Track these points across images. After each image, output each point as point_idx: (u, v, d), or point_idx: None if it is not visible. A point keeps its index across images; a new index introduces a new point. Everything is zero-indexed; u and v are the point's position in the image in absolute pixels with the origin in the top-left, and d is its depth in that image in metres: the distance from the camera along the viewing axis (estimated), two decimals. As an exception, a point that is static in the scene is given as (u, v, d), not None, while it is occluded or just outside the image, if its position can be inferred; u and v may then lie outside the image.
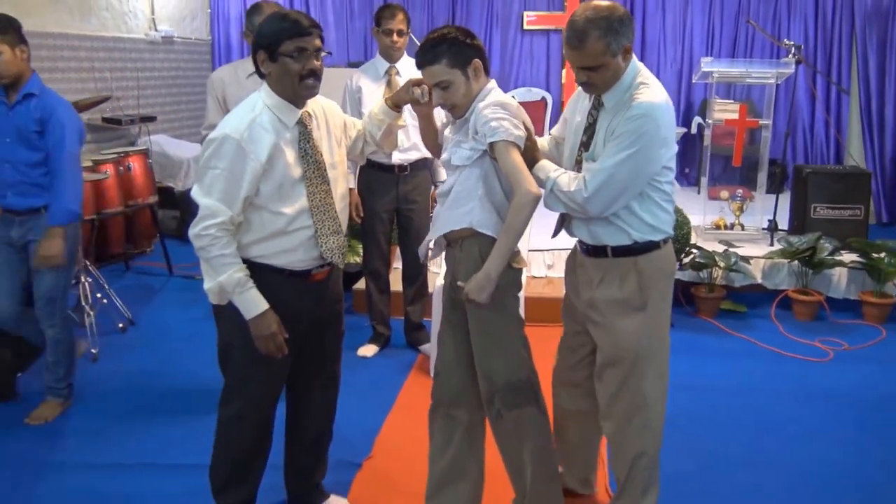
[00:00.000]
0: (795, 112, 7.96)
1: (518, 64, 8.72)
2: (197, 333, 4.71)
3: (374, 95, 4.19)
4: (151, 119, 6.84)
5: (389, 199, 4.32)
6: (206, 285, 2.48)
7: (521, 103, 2.64)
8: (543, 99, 8.57)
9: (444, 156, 2.62)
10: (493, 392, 2.60)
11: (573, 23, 2.39)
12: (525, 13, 8.56)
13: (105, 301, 4.74)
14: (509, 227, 2.45)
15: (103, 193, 5.16)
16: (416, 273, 4.53)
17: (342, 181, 2.66)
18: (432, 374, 2.81)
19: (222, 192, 2.39)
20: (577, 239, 2.71)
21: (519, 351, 2.63)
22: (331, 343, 2.81)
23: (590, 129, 2.53)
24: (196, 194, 2.43)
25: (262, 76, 2.51)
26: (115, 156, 5.48)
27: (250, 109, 2.45)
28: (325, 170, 2.55)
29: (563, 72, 8.46)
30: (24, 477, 3.22)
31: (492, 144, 2.44)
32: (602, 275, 2.60)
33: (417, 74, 4.22)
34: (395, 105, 2.73)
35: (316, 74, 2.47)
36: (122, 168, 5.46)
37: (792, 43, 5.65)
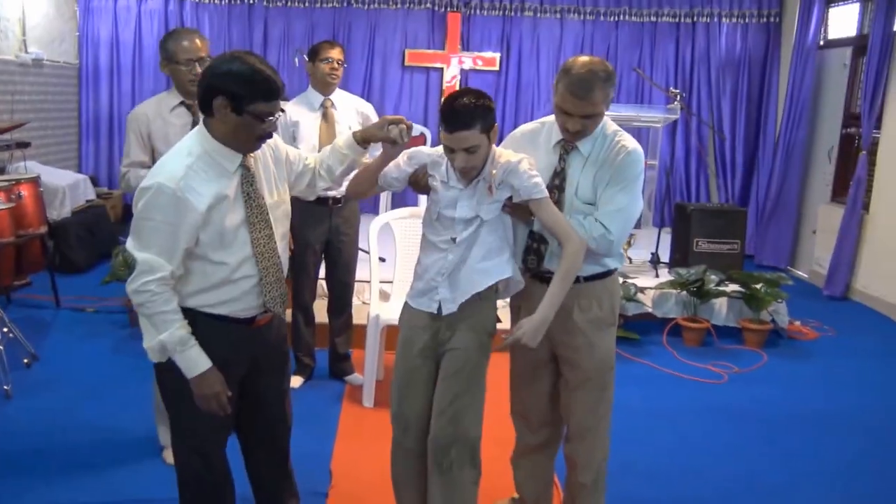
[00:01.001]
0: (673, 154, 8.66)
1: (398, 99, 8.91)
2: (107, 367, 4.59)
3: (310, 128, 4.24)
4: (26, 145, 6.49)
5: (322, 232, 4.36)
6: (147, 343, 2.36)
7: None
8: (422, 134, 8.76)
9: (459, 213, 2.62)
10: (453, 439, 2.64)
11: (578, 75, 2.56)
12: (406, 50, 8.79)
13: (11, 335, 4.47)
14: (568, 274, 2.59)
15: (-6, 222, 4.87)
16: (342, 305, 4.58)
17: (283, 221, 2.57)
18: (394, 425, 2.78)
19: (160, 246, 2.27)
20: (527, 275, 2.82)
21: (482, 412, 2.73)
22: (278, 384, 2.74)
23: (560, 175, 2.73)
24: (132, 248, 2.30)
25: (206, 113, 2.34)
26: (5, 183, 5.17)
27: (186, 154, 2.32)
28: (268, 213, 2.46)
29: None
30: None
31: (537, 200, 2.57)
32: (575, 300, 2.77)
33: (350, 106, 4.37)
34: (364, 140, 2.66)
35: (271, 136, 2.43)
36: (13, 196, 5.16)
37: (677, 91, 6.18)
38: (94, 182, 7.77)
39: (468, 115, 2.48)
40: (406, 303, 2.81)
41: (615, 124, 2.79)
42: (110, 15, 8.39)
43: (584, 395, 2.86)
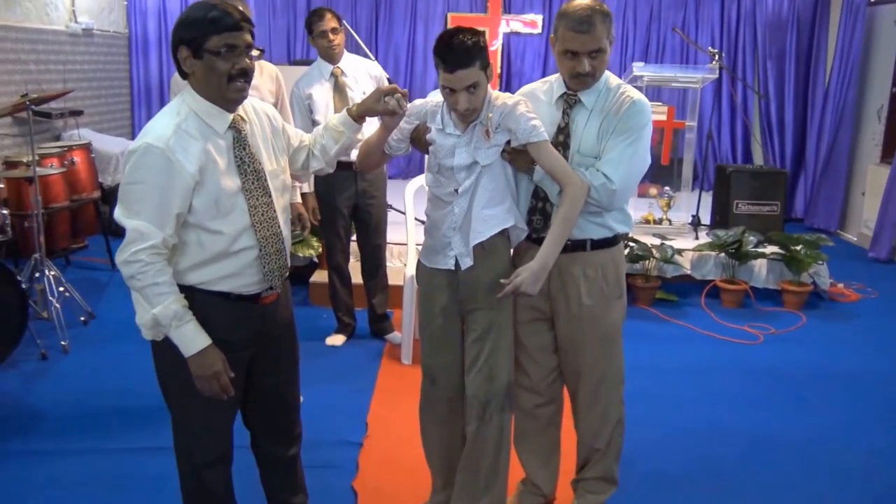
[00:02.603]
0: (712, 115, 8.62)
1: (441, 63, 9.01)
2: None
3: (324, 99, 4.33)
4: (79, 113, 6.78)
5: (348, 196, 4.49)
6: (139, 319, 2.22)
7: None
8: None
9: (457, 160, 2.59)
10: (491, 394, 2.70)
11: (576, 13, 2.54)
12: (449, 14, 8.87)
13: (68, 294, 4.76)
14: (568, 217, 2.54)
15: (49, 188, 5.14)
16: (375, 266, 4.73)
17: (283, 192, 2.40)
18: (423, 378, 2.86)
19: (151, 211, 2.10)
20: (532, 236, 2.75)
21: (513, 352, 2.82)
22: (286, 369, 2.57)
23: (565, 131, 2.70)
24: (120, 216, 2.14)
25: (183, 75, 2.24)
26: (58, 150, 5.44)
27: (175, 114, 2.19)
28: (266, 180, 2.30)
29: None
30: (41, 466, 3.29)
31: (535, 143, 2.55)
32: (581, 269, 2.73)
33: (362, 70, 4.45)
34: (360, 115, 2.53)
35: (246, 74, 2.21)
36: (66, 162, 5.43)
37: (715, 51, 6.16)
38: (147, 149, 8.03)
39: (466, 51, 2.42)
40: (419, 261, 2.83)
41: (618, 78, 2.76)
42: (157, -17, 8.62)
43: (593, 365, 2.84)
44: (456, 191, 2.63)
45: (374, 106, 2.49)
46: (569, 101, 2.70)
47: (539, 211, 2.71)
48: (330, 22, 4.30)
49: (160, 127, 2.15)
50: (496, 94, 2.62)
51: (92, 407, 3.83)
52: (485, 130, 2.57)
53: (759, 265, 5.87)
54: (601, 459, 2.99)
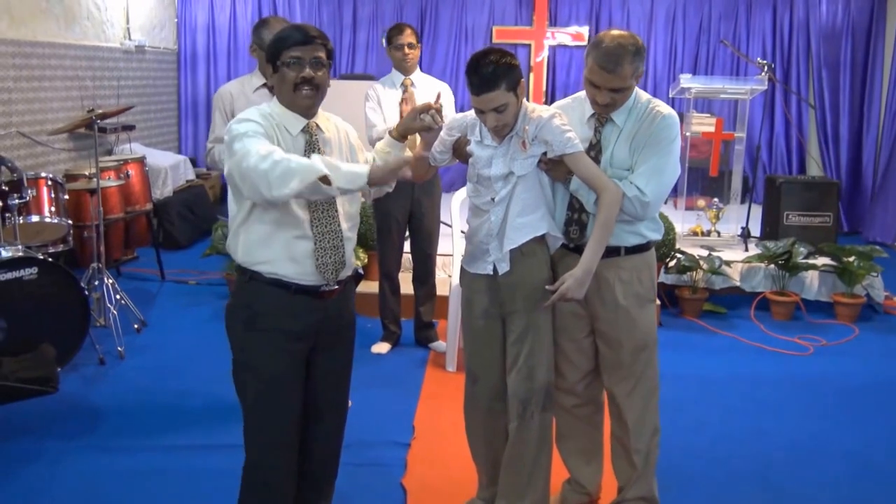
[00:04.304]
0: (763, 126, 8.71)
1: (487, 77, 9.25)
2: (207, 334, 5.11)
3: (391, 104, 4.68)
4: (132, 128, 7.15)
5: (403, 204, 4.76)
6: (298, 186, 2.24)
7: None
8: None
9: (494, 170, 2.79)
10: (531, 392, 2.90)
11: (607, 49, 2.75)
12: (494, 27, 9.13)
13: (123, 302, 5.09)
14: (607, 223, 2.75)
15: (107, 200, 5.48)
16: (425, 275, 4.98)
17: (353, 203, 2.63)
18: (466, 378, 3.08)
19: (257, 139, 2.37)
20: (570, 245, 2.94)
21: (553, 352, 3.02)
22: (342, 367, 2.75)
23: (596, 147, 2.91)
24: (232, 133, 2.37)
25: (271, 91, 2.58)
26: (115, 163, 5.80)
27: (258, 112, 2.49)
28: None
29: (531, 84, 9.06)
30: (76, 462, 3.57)
31: (571, 154, 2.75)
32: (616, 273, 2.93)
33: (430, 86, 4.74)
34: (401, 136, 2.75)
35: (311, 83, 2.46)
36: (122, 175, 5.78)
37: (764, 62, 6.31)
38: (194, 163, 8.43)
39: (492, 76, 2.62)
40: (462, 267, 3.05)
41: (647, 94, 2.95)
42: (206, 0, 9.01)
43: (628, 370, 3.01)
44: (493, 199, 2.83)
45: (411, 124, 2.73)
46: (600, 120, 2.90)
47: (575, 221, 2.91)
48: (408, 37, 4.70)
49: (251, 115, 2.45)
50: (532, 107, 2.82)
51: (148, 408, 4.11)
52: (521, 142, 2.77)
53: (811, 277, 5.96)
54: (640, 478, 3.11)
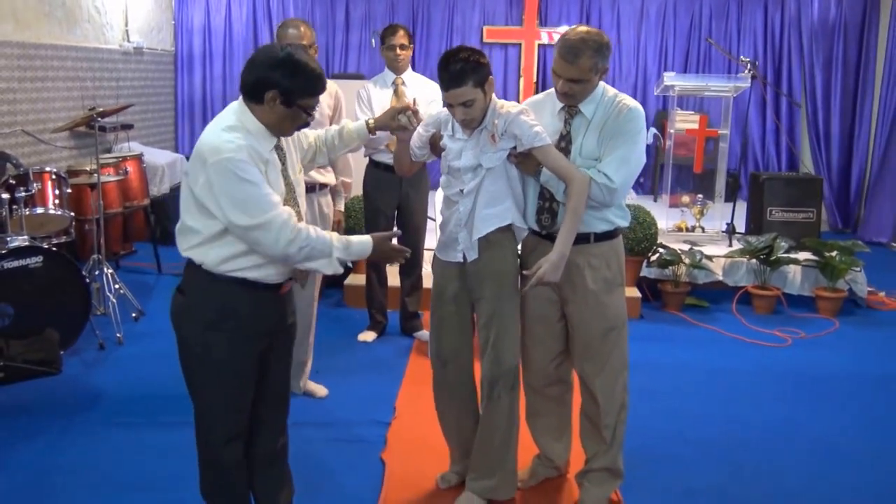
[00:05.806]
0: (747, 124, 9.03)
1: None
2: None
3: (382, 102, 4.99)
4: (130, 127, 7.53)
5: (392, 197, 5.10)
6: (324, 269, 2.62)
7: None
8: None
9: (463, 162, 3.06)
10: (497, 375, 3.19)
11: (569, 41, 2.99)
12: (485, 27, 9.48)
13: (122, 292, 5.46)
14: (577, 210, 2.99)
15: (106, 195, 5.86)
16: (412, 266, 5.29)
17: (304, 198, 2.81)
18: (434, 362, 3.37)
19: (271, 197, 2.49)
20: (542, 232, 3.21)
21: (519, 336, 3.32)
22: (287, 360, 2.88)
23: (566, 138, 3.18)
24: (252, 221, 2.45)
25: (255, 101, 2.55)
26: (114, 160, 6.19)
27: (232, 130, 2.51)
28: (295, 190, 2.71)
29: (521, 83, 9.38)
30: (79, 436, 3.92)
31: (539, 147, 2.98)
32: (586, 259, 3.17)
33: (420, 85, 5.09)
34: (376, 129, 3.09)
35: (308, 125, 2.70)
36: (121, 171, 6.17)
37: (748, 60, 6.63)
38: (190, 162, 8.76)
39: (460, 72, 2.89)
40: (435, 255, 3.33)
41: (614, 89, 3.22)
42: (203, 3, 9.35)
43: (597, 351, 3.25)
44: (461, 191, 3.11)
45: (388, 122, 3.06)
46: (570, 112, 3.15)
47: (547, 210, 3.18)
48: (401, 38, 5.05)
49: (230, 144, 2.46)
50: (501, 103, 3.08)
51: (145, 389, 4.48)
52: (491, 136, 3.03)
53: (794, 272, 6.23)
54: (607, 451, 3.35)
